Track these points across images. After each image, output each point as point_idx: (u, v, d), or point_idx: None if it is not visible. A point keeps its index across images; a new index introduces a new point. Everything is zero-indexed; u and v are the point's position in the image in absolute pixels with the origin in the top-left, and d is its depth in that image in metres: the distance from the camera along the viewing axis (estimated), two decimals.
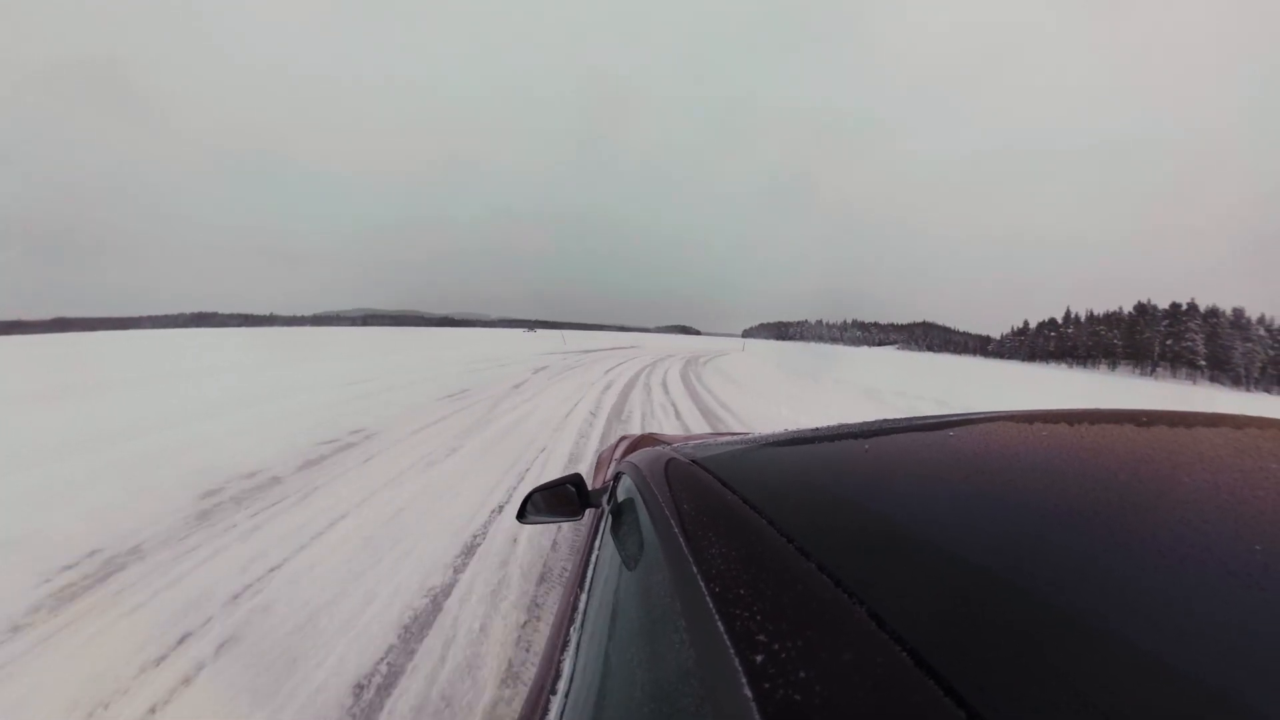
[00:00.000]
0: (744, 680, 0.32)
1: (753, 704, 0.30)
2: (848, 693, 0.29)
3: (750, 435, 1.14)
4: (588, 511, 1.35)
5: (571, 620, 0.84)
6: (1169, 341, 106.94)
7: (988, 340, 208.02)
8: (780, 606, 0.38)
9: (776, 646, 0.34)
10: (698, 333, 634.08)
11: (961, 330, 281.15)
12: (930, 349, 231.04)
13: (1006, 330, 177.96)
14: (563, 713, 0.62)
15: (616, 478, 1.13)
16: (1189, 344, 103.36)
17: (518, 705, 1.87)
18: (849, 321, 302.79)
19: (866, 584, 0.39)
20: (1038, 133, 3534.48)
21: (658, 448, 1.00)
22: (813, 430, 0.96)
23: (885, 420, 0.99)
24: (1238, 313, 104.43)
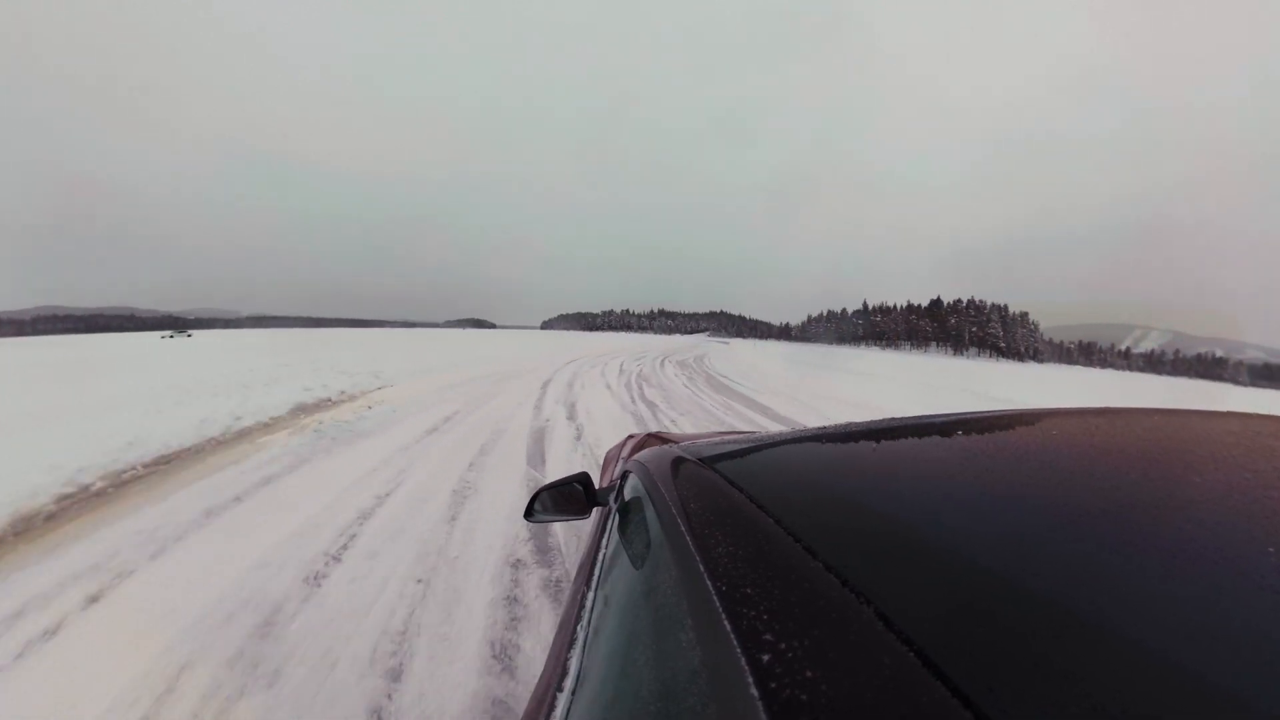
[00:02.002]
0: (750, 679, 0.31)
1: (759, 703, 0.29)
2: (854, 693, 0.29)
3: (758, 434, 1.12)
4: (595, 510, 1.33)
5: (579, 618, 0.83)
6: (974, 329, 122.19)
7: (788, 327, 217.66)
8: (787, 606, 0.38)
9: (783, 646, 0.33)
10: (493, 326, 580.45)
11: (751, 318, 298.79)
12: (740, 335, 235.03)
13: (787, 318, 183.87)
14: (569, 710, 0.61)
15: (624, 476, 1.12)
16: (992, 331, 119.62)
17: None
18: (656, 310, 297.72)
19: (874, 584, 0.39)
20: (802, 147, 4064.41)
21: (665, 446, 0.99)
22: (820, 429, 0.96)
23: (894, 419, 0.98)
24: (1005, 308, 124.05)
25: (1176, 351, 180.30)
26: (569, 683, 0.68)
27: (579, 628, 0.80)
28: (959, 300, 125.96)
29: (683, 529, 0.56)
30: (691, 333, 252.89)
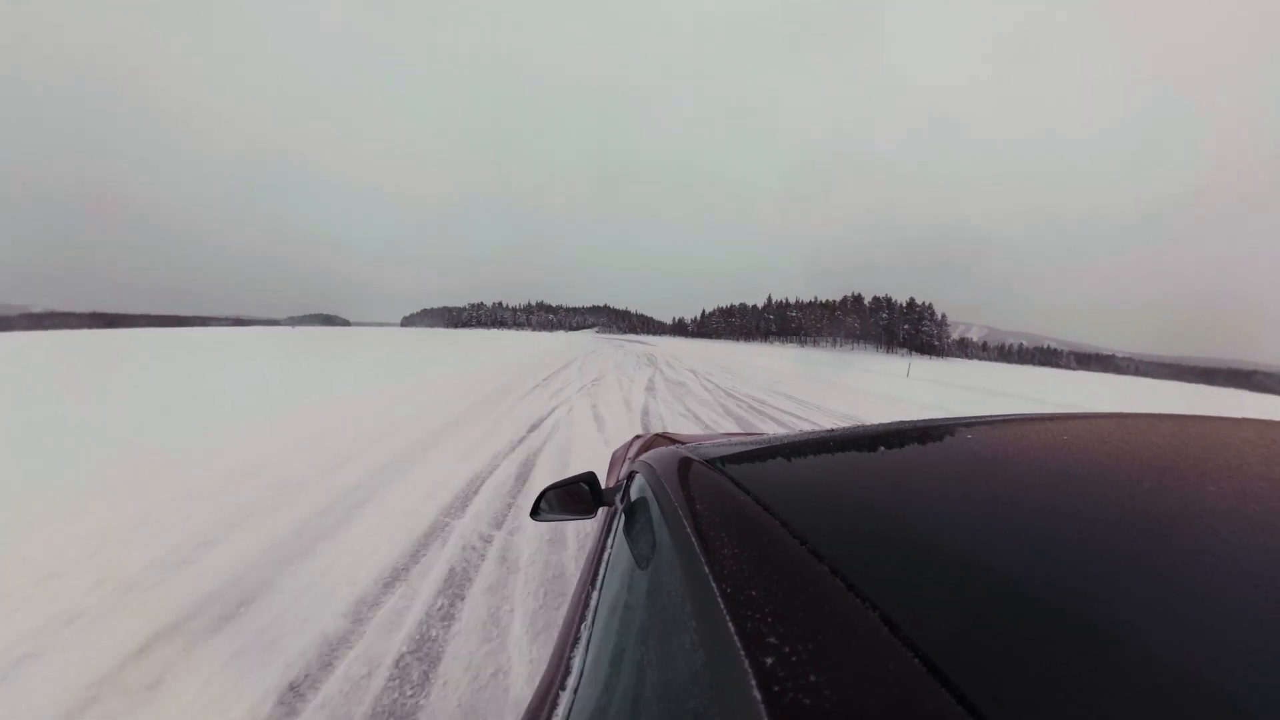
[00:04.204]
0: (753, 682, 0.31)
1: (761, 706, 0.29)
2: (858, 698, 0.29)
3: (765, 436, 1.12)
4: (601, 510, 1.32)
5: (583, 618, 0.83)
6: (906, 327, 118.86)
7: (683, 322, 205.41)
8: (792, 609, 0.37)
9: (787, 649, 0.33)
10: (346, 322, 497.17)
11: (639, 313, 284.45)
12: (634, 331, 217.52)
13: (677, 314, 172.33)
14: (571, 708, 0.61)
15: (630, 477, 1.12)
16: (926, 330, 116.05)
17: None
18: (534, 304, 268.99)
19: (880, 589, 0.38)
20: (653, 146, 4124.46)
21: (672, 447, 0.98)
22: (828, 431, 0.95)
23: (903, 422, 0.97)
24: (931, 307, 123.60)
25: (1019, 344, 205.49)
26: (572, 681, 0.68)
27: (583, 627, 0.80)
28: (877, 297, 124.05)
29: (688, 530, 0.56)
30: (577, 329, 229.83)
